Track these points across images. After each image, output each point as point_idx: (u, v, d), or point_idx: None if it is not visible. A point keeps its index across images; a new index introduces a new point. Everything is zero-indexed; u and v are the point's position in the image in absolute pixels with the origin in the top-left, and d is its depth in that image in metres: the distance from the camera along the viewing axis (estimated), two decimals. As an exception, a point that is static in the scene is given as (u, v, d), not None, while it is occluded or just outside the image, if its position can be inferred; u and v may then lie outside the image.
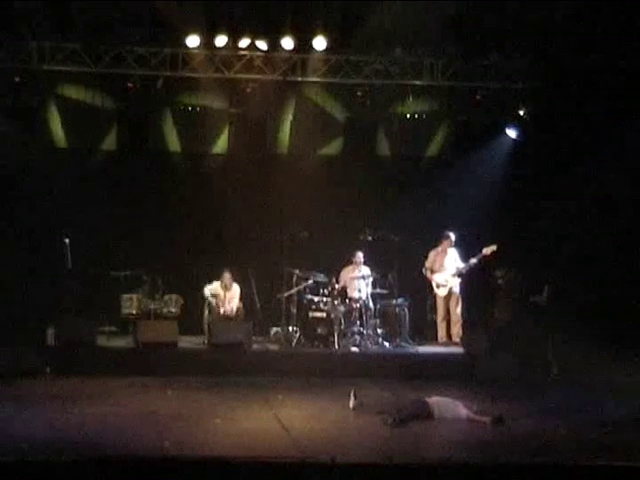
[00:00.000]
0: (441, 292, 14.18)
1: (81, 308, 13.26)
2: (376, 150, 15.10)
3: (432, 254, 14.25)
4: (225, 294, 13.65)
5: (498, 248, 13.82)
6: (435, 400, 9.78)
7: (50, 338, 12.81)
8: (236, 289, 13.69)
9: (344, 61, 14.00)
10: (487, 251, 13.83)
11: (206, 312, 13.58)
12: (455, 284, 14.13)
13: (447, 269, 14.12)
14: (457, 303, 14.11)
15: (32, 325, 12.74)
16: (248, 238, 14.03)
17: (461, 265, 14.08)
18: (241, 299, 13.71)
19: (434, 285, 14.19)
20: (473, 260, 13.97)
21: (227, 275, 13.57)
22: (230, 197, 14.58)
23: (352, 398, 10.08)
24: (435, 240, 14.28)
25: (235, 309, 13.62)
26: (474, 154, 14.87)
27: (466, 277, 14.14)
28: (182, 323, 13.43)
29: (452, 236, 14.11)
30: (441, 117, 14.86)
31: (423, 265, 14.24)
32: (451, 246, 14.17)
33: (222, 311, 13.59)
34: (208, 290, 13.62)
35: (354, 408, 10.00)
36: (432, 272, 14.20)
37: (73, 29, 13.20)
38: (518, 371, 12.57)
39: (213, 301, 13.61)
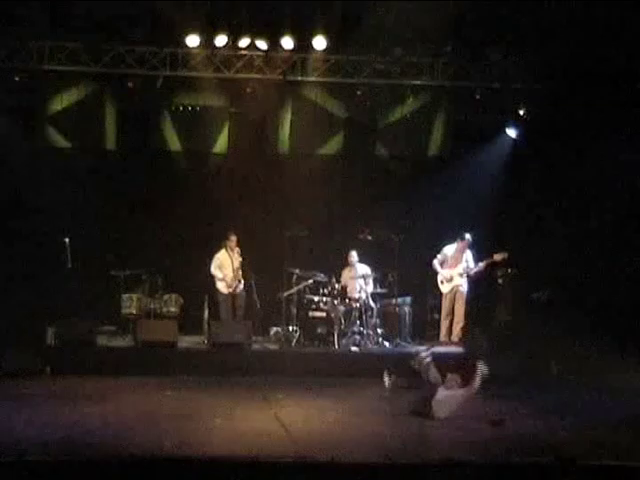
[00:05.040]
0: (444, 288, 14.17)
1: (81, 308, 13.26)
2: (376, 150, 15.07)
3: (447, 249, 14.18)
4: (232, 258, 13.88)
5: (499, 248, 13.83)
6: (437, 400, 9.79)
7: (50, 338, 12.84)
8: (237, 253, 13.97)
9: (344, 61, 14.00)
10: (497, 257, 13.80)
11: (206, 312, 13.60)
12: (462, 283, 14.09)
13: (457, 268, 14.11)
14: (462, 303, 14.10)
15: (32, 325, 12.74)
16: (248, 238, 14.02)
17: (472, 266, 14.06)
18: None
19: (439, 280, 14.18)
20: (481, 264, 13.97)
21: (233, 238, 13.83)
22: (230, 197, 14.59)
23: (386, 378, 10.07)
24: (437, 240, 14.30)
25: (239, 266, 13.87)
26: (474, 154, 14.88)
27: (473, 279, 14.12)
28: (182, 323, 13.46)
29: (469, 237, 14.08)
30: (441, 117, 14.85)
31: (424, 265, 14.24)
32: (467, 247, 14.15)
33: (231, 276, 13.79)
34: (213, 266, 13.83)
35: (389, 388, 9.99)
36: (442, 267, 14.20)
37: (73, 29, 13.20)
38: (518, 370, 12.57)
39: (219, 274, 13.79)
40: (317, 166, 14.85)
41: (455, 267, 14.12)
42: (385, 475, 7.56)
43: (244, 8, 13.03)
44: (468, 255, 14.16)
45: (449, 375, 10.04)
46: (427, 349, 10.35)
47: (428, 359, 10.21)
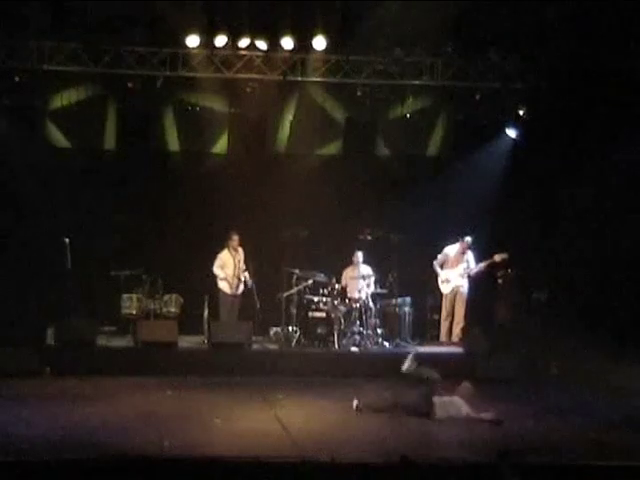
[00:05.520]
0: (444, 289, 14.19)
1: (81, 308, 13.27)
2: (376, 150, 15.10)
3: (447, 250, 14.22)
4: (235, 257, 13.80)
5: (499, 249, 13.84)
6: (443, 400, 9.80)
7: (50, 338, 12.85)
8: (241, 252, 13.87)
9: (344, 61, 13.99)
10: (497, 258, 13.84)
11: (206, 312, 13.59)
12: (462, 284, 14.12)
13: (457, 268, 14.12)
14: (462, 304, 14.12)
15: (32, 325, 12.75)
16: (248, 238, 14.02)
17: (472, 266, 14.07)
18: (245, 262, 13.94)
19: (439, 280, 14.20)
20: (481, 264, 14.00)
21: (235, 237, 13.73)
22: (230, 197, 14.58)
23: (355, 400, 10.12)
24: (437, 240, 14.32)
25: (244, 268, 13.77)
26: (474, 154, 14.87)
27: (475, 279, 14.13)
28: (182, 323, 13.45)
29: (468, 240, 14.09)
30: (441, 117, 14.86)
31: (423, 264, 14.25)
32: (468, 248, 14.16)
33: (233, 275, 13.73)
34: (215, 265, 13.77)
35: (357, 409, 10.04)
36: (442, 267, 14.21)
37: (73, 29, 13.20)
38: (518, 371, 12.58)
39: (222, 274, 13.74)
40: (317, 166, 14.86)
41: (455, 268, 14.14)
42: (385, 475, 7.56)
43: (244, 8, 13.02)
44: (470, 256, 14.18)
45: (463, 383, 10.07)
46: (409, 356, 10.35)
47: (414, 364, 10.21)
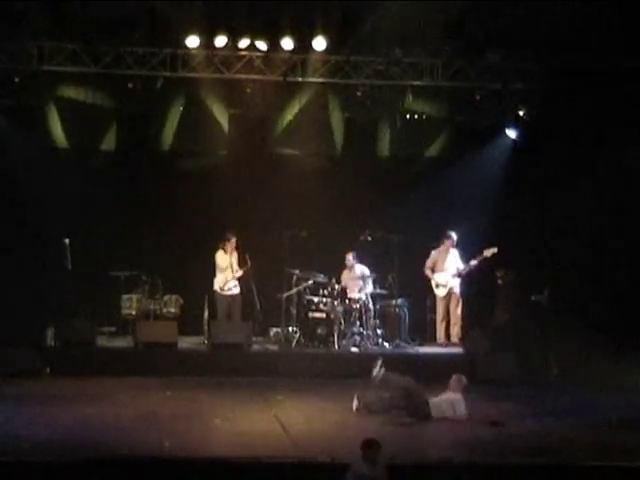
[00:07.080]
0: (440, 292, 14.18)
1: (81, 308, 13.27)
2: (376, 150, 15.10)
3: (434, 253, 14.25)
4: (231, 259, 13.73)
5: (498, 249, 13.83)
6: (436, 400, 9.80)
7: (50, 338, 12.86)
8: (236, 254, 13.83)
9: (344, 61, 13.99)
10: (488, 253, 13.83)
11: (206, 312, 13.59)
12: (455, 285, 14.13)
13: (448, 269, 14.13)
14: (457, 304, 14.12)
15: (32, 325, 12.75)
16: (248, 238, 14.02)
17: (461, 266, 14.09)
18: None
19: (433, 285, 14.21)
20: (473, 262, 13.99)
21: (233, 239, 13.70)
22: (230, 197, 14.59)
23: (355, 401, 10.10)
24: (436, 240, 14.30)
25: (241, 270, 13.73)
26: (474, 154, 14.87)
27: (466, 278, 14.15)
28: (182, 323, 13.46)
29: (454, 236, 14.12)
30: (441, 117, 14.84)
31: (423, 265, 14.25)
32: (453, 246, 14.18)
33: (230, 277, 13.68)
34: (217, 282, 13.71)
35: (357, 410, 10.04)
36: (433, 271, 14.22)
37: (73, 29, 13.20)
38: (518, 371, 12.58)
39: (218, 275, 13.70)
40: (317, 166, 14.85)
41: (445, 269, 14.11)
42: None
43: (244, 8, 13.02)
44: (456, 255, 14.18)
45: (455, 376, 10.06)
46: (378, 362, 10.27)
47: (382, 370, 10.15)
